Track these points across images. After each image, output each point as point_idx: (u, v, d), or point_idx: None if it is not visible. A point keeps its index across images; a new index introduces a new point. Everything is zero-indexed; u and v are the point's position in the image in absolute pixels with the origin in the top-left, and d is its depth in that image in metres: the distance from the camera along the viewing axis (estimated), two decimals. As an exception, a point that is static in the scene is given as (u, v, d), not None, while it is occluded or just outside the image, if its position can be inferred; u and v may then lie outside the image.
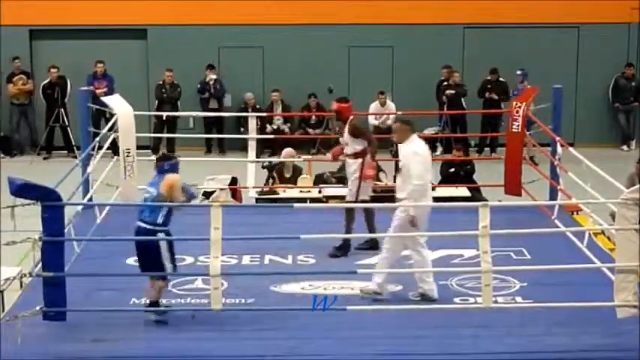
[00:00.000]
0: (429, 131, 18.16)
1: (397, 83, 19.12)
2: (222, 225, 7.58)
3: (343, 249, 9.73)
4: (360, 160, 9.77)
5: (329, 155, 10.56)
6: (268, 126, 18.30)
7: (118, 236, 9.95)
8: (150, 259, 7.87)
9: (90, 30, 18.88)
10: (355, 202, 9.72)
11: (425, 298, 8.45)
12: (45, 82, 18.34)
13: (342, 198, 12.21)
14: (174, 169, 8.04)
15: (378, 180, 12.30)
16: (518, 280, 8.82)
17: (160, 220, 7.92)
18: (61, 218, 7.58)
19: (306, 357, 7.42)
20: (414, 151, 8.49)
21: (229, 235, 8.04)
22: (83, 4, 18.68)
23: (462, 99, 18.38)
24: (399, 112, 13.77)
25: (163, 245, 7.89)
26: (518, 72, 17.91)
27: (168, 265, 7.93)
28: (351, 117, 10.01)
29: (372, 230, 9.70)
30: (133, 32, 19.11)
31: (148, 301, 8.07)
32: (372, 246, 9.68)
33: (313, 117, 18.42)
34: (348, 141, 9.87)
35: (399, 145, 8.77)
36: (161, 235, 7.89)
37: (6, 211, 7.48)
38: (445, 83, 18.42)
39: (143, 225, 7.91)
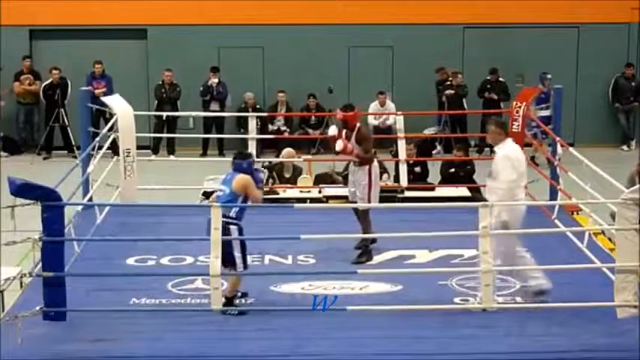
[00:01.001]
0: (428, 131, 18.20)
1: (397, 83, 19.12)
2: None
3: (366, 254, 9.64)
4: (366, 167, 9.74)
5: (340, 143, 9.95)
6: (270, 126, 18.29)
7: (118, 236, 9.99)
8: (223, 251, 7.94)
9: (90, 30, 18.88)
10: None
11: (541, 293, 8.27)
12: (46, 83, 18.34)
13: (342, 198, 12.22)
14: (250, 167, 8.41)
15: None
16: (518, 280, 8.82)
17: (232, 214, 8.12)
18: (61, 218, 7.58)
19: (306, 357, 7.42)
20: (505, 155, 8.31)
21: (229, 235, 8.03)
22: (83, 4, 18.68)
23: (464, 99, 18.38)
24: (399, 112, 13.75)
25: (236, 240, 8.06)
26: (548, 76, 17.60)
27: (239, 262, 8.09)
28: (359, 124, 9.90)
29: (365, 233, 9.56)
30: (133, 32, 19.10)
31: (224, 299, 8.08)
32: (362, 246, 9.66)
33: (313, 117, 18.42)
34: (355, 148, 9.79)
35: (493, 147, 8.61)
36: (234, 229, 8.07)
37: (6, 211, 7.48)
38: (447, 83, 18.43)
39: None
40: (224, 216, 7.98)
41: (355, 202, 9.82)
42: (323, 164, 13.90)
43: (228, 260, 8.05)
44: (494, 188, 8.33)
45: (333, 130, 10.03)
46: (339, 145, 9.75)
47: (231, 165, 8.47)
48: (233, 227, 8.11)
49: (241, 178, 8.23)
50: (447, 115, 18.19)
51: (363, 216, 9.63)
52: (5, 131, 18.76)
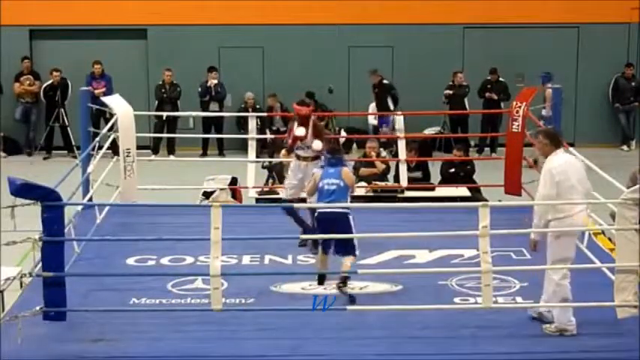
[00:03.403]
0: (428, 131, 18.21)
1: (397, 83, 19.10)
2: (222, 225, 7.57)
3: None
4: (318, 162, 9.79)
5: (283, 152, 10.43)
6: (268, 132, 18.28)
7: (117, 236, 9.99)
8: (345, 242, 8.44)
9: (90, 30, 18.90)
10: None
11: (542, 320, 7.93)
12: (47, 84, 18.36)
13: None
14: (343, 159, 9.10)
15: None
16: (518, 280, 8.82)
17: (348, 203, 8.73)
18: (61, 218, 7.58)
19: (306, 357, 7.42)
20: (547, 170, 7.74)
21: (229, 235, 8.04)
22: (83, 4, 18.69)
23: (465, 99, 18.39)
24: (399, 112, 13.76)
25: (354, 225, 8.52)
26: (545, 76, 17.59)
27: (357, 248, 8.58)
28: (313, 118, 9.98)
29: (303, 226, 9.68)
30: (133, 32, 19.12)
31: (341, 278, 8.41)
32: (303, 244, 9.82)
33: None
34: (311, 143, 9.84)
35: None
36: (350, 217, 8.51)
37: (6, 211, 7.48)
38: (450, 83, 18.44)
39: (336, 210, 8.50)
40: (343, 207, 8.52)
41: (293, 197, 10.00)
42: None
43: (347, 250, 8.49)
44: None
45: (301, 131, 9.91)
46: (317, 144, 9.85)
47: (326, 159, 8.98)
48: (350, 217, 8.53)
49: (347, 171, 8.93)
50: (447, 115, 18.22)
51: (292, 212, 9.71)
52: (5, 131, 18.78)
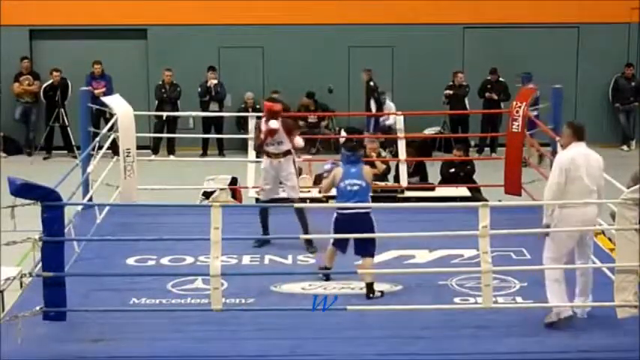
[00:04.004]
0: (428, 131, 18.21)
1: (397, 83, 19.13)
2: (222, 225, 7.57)
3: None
4: (291, 157, 9.89)
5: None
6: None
7: (117, 236, 9.99)
8: (368, 242, 8.51)
9: (90, 30, 18.91)
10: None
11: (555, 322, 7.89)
12: (47, 84, 18.37)
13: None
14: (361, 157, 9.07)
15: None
16: (518, 280, 8.82)
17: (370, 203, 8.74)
18: (61, 218, 7.57)
19: (306, 357, 7.42)
20: (559, 158, 7.98)
21: (229, 235, 8.04)
22: (83, 4, 18.70)
23: (465, 99, 18.40)
24: (399, 112, 13.75)
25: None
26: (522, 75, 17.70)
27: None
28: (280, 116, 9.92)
29: (305, 227, 9.62)
30: (133, 32, 19.13)
31: (368, 289, 8.49)
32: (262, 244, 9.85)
33: (310, 117, 18.44)
34: (283, 139, 9.83)
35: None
36: (373, 217, 8.55)
37: (6, 211, 7.48)
38: (450, 84, 18.45)
39: (362, 211, 8.50)
40: (367, 208, 8.50)
41: (277, 197, 10.10)
42: (323, 164, 13.86)
43: (369, 251, 8.57)
44: None
45: (275, 124, 9.83)
46: (299, 141, 10.01)
47: (344, 157, 8.86)
48: (373, 217, 8.56)
49: (368, 169, 8.94)
50: (447, 115, 18.22)
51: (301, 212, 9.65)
52: (5, 131, 18.79)
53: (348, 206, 8.50)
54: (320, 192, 10.34)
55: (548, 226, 7.90)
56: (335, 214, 8.68)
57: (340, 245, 8.76)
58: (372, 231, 8.49)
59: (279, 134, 9.79)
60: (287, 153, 9.90)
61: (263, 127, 9.88)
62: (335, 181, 8.82)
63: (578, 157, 7.91)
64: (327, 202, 12.04)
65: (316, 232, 9.33)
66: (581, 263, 8.05)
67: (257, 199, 12.43)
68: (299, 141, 10.09)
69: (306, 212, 9.67)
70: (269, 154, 9.92)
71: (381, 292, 8.57)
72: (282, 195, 10.17)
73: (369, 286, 8.50)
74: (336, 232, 8.63)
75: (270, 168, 9.95)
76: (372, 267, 8.65)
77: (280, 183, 10.04)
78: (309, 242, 9.72)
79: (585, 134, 8.15)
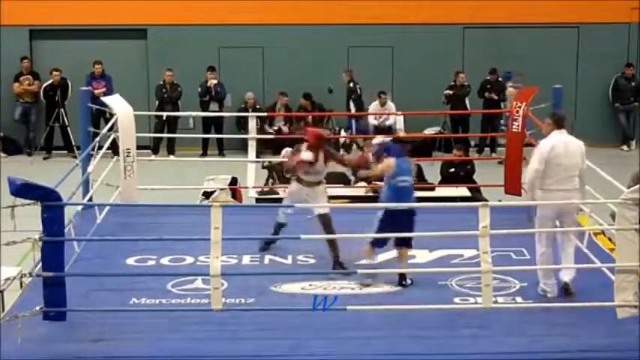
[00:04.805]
0: (428, 131, 18.21)
1: (397, 83, 19.13)
2: (222, 225, 7.57)
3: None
4: (324, 184, 9.59)
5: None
6: (268, 128, 18.27)
7: (117, 236, 9.99)
8: (409, 229, 8.58)
9: (90, 30, 18.91)
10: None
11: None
12: (47, 83, 18.37)
13: (343, 198, 12.22)
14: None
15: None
16: (518, 280, 8.82)
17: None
18: (61, 218, 7.57)
19: (306, 357, 7.42)
20: (540, 146, 8.57)
21: (229, 235, 8.04)
22: (83, 4, 18.70)
23: (466, 99, 18.40)
24: (399, 112, 13.76)
25: None
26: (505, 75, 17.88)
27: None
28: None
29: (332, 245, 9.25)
30: (133, 32, 19.12)
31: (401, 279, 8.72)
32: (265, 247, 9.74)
33: (309, 117, 18.46)
34: (322, 168, 9.42)
35: None
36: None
37: (6, 211, 7.48)
38: (451, 84, 18.46)
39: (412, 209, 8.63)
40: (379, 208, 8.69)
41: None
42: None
43: (408, 243, 8.80)
44: None
45: (309, 156, 9.29)
46: (308, 155, 9.30)
47: (395, 150, 8.87)
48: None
49: (413, 165, 9.19)
50: (447, 115, 18.21)
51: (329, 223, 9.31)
52: (5, 131, 18.79)
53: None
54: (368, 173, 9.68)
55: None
56: (382, 211, 8.66)
57: (381, 242, 8.82)
58: (414, 225, 8.61)
59: (320, 163, 9.32)
60: (321, 182, 9.51)
61: (304, 153, 9.23)
62: (390, 169, 8.70)
63: (558, 144, 8.46)
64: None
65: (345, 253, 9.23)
66: (566, 249, 8.55)
67: (257, 200, 12.47)
68: (308, 154, 9.36)
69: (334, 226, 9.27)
70: (301, 181, 9.42)
71: (411, 279, 8.76)
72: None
73: (402, 275, 8.72)
74: (383, 228, 8.60)
75: (302, 194, 9.44)
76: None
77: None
78: (340, 264, 9.23)
79: (565, 122, 8.69)
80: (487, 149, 18.66)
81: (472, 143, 18.42)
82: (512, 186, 11.79)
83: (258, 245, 9.79)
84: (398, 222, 8.55)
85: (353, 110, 17.59)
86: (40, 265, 7.58)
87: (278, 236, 9.58)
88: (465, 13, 18.87)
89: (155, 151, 18.08)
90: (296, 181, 9.53)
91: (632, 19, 18.94)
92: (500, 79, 18.21)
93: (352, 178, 12.91)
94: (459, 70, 18.65)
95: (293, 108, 18.65)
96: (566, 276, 8.48)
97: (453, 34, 19.06)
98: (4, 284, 8.48)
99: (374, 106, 18.28)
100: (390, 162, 8.75)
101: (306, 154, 9.24)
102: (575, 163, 8.51)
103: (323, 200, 9.51)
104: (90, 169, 11.00)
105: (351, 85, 17.94)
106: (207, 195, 12.66)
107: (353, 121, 17.73)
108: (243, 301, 8.42)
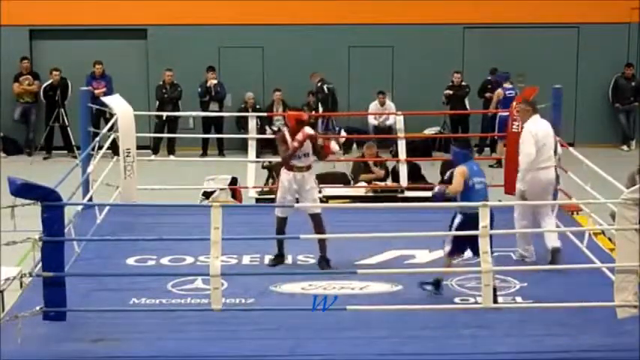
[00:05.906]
0: (428, 131, 18.21)
1: (397, 83, 19.13)
2: (222, 225, 7.57)
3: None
4: (312, 171, 9.55)
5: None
6: (267, 128, 18.25)
7: (117, 236, 10.00)
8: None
9: (90, 30, 18.90)
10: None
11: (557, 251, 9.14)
12: (47, 83, 18.37)
13: (343, 198, 12.22)
14: None
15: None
16: (518, 280, 8.83)
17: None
18: (61, 218, 7.58)
19: (306, 357, 7.42)
20: (528, 130, 9.27)
21: (229, 235, 8.04)
22: (83, 4, 18.70)
23: (466, 99, 18.39)
24: (399, 112, 13.75)
25: None
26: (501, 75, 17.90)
27: None
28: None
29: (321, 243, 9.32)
30: (133, 32, 19.12)
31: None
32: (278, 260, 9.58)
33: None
34: (309, 150, 9.41)
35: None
36: None
37: (6, 211, 7.48)
38: (450, 84, 18.45)
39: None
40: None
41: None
42: (323, 164, 13.88)
43: (461, 250, 8.59)
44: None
45: (311, 130, 9.46)
46: (335, 146, 9.81)
47: (461, 155, 8.64)
48: None
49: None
50: (447, 115, 18.20)
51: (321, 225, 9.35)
52: (5, 131, 18.79)
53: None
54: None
55: (523, 192, 9.31)
56: (460, 216, 8.36)
57: (461, 248, 8.51)
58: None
59: (307, 145, 9.34)
60: (310, 166, 9.49)
61: (288, 139, 9.33)
62: (465, 179, 8.42)
63: (542, 127, 9.37)
64: (327, 202, 12.02)
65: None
66: (547, 221, 9.38)
67: (257, 200, 12.47)
68: (334, 146, 9.84)
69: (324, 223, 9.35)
70: (292, 168, 9.36)
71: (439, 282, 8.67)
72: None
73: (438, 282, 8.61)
74: (459, 234, 8.32)
75: (293, 182, 9.38)
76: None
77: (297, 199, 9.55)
78: (326, 261, 9.35)
79: (537, 107, 9.63)
80: (487, 149, 18.65)
81: (472, 143, 18.41)
82: (512, 186, 11.77)
83: (269, 263, 9.58)
84: (475, 227, 7.88)
85: (320, 109, 17.60)
86: (40, 265, 7.59)
87: (281, 236, 9.48)
88: (465, 13, 18.87)
89: (155, 151, 18.08)
90: (287, 170, 9.42)
91: (632, 19, 18.94)
92: (495, 78, 18.11)
93: (352, 180, 12.93)
94: (456, 70, 18.63)
95: (289, 103, 18.59)
96: (555, 242, 9.16)
97: (453, 34, 19.05)
98: (4, 284, 8.48)
99: (374, 106, 18.29)
100: (462, 169, 8.47)
101: (307, 129, 9.34)
102: (552, 142, 9.56)
103: (313, 186, 9.50)
104: (90, 169, 11.01)
105: (319, 84, 17.95)
106: (207, 195, 12.66)
107: (319, 121, 17.72)
108: (243, 301, 8.42)
